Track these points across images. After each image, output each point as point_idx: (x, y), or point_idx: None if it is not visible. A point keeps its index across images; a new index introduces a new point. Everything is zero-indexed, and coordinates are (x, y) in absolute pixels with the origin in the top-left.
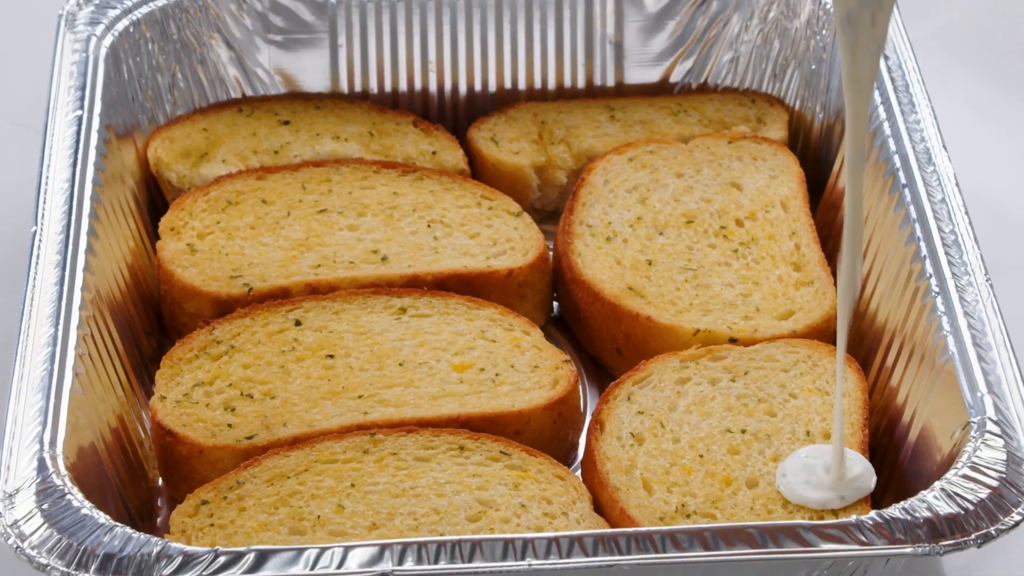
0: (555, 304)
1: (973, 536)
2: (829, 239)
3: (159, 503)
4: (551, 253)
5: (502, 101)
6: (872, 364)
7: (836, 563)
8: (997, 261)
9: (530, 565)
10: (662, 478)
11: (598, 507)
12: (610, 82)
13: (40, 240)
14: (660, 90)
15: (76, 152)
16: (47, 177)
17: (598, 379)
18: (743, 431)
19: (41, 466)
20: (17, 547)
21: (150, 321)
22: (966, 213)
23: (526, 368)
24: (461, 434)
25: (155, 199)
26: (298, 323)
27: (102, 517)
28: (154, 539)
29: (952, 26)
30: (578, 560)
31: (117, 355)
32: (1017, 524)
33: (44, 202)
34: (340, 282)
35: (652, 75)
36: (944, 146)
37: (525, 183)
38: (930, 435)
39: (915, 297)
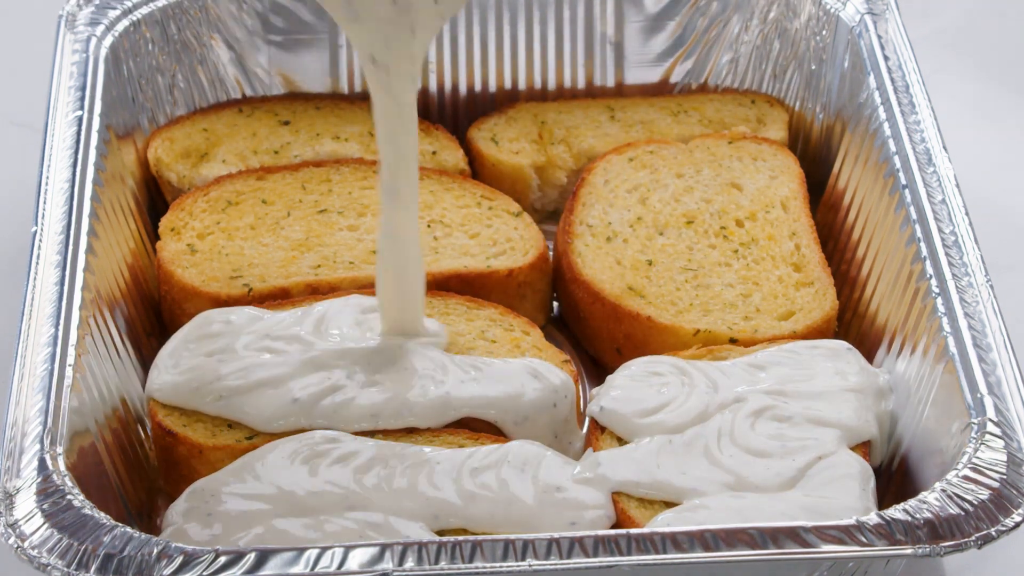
0: (555, 304)
1: (973, 537)
2: (829, 239)
3: (159, 503)
4: (551, 253)
5: (502, 101)
6: (872, 364)
7: (836, 564)
8: (997, 261)
9: (530, 565)
10: None
11: None
12: (610, 82)
13: (40, 240)
14: (660, 90)
15: (76, 152)
16: (47, 177)
17: (598, 379)
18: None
19: (41, 466)
20: (17, 547)
21: (150, 321)
22: (966, 214)
23: None
24: (461, 434)
25: (155, 199)
26: None
27: (102, 517)
28: (154, 539)
29: (952, 26)
30: (579, 560)
31: (117, 355)
32: (1017, 525)
33: (44, 202)
34: (340, 282)
35: (652, 75)
36: (944, 147)
37: (525, 183)
38: (931, 436)
39: (915, 298)
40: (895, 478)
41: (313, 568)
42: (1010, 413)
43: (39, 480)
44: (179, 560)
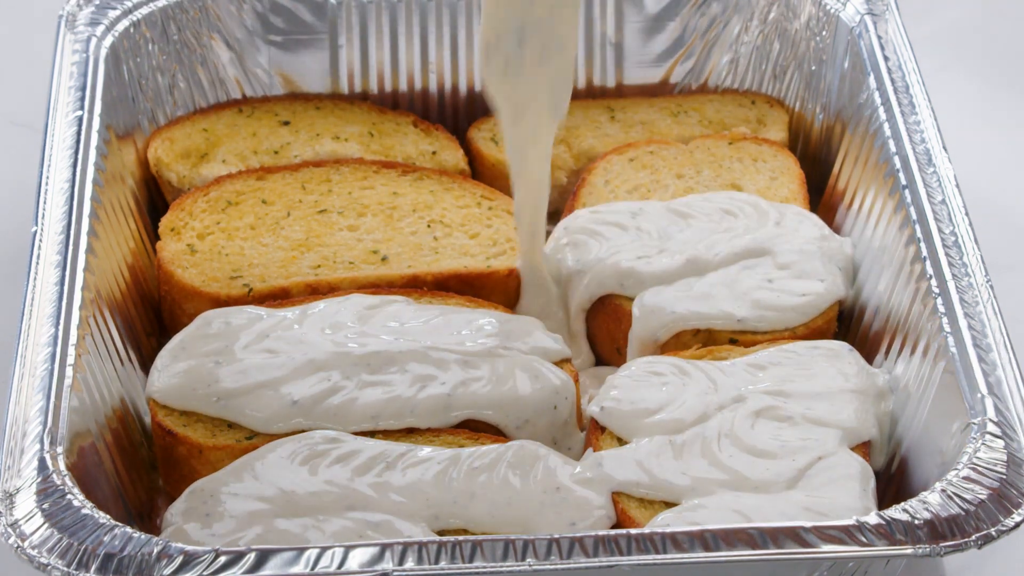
0: None
1: (973, 537)
2: None
3: (159, 503)
4: None
5: None
6: (872, 365)
7: (836, 564)
8: (997, 261)
9: (531, 565)
10: None
11: None
12: (610, 82)
13: (40, 240)
14: (660, 91)
15: (76, 152)
16: (47, 177)
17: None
18: None
19: (41, 466)
20: (17, 547)
21: (150, 321)
22: (966, 214)
23: None
24: (461, 434)
25: (155, 199)
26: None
27: (102, 517)
28: (154, 539)
29: (952, 26)
30: (579, 561)
31: (117, 355)
32: (1017, 525)
33: (44, 202)
34: (340, 282)
35: (652, 76)
36: (944, 147)
37: None
38: (931, 436)
39: (915, 298)
40: (895, 478)
41: (313, 568)
42: (1010, 413)
43: (39, 480)
44: (179, 560)
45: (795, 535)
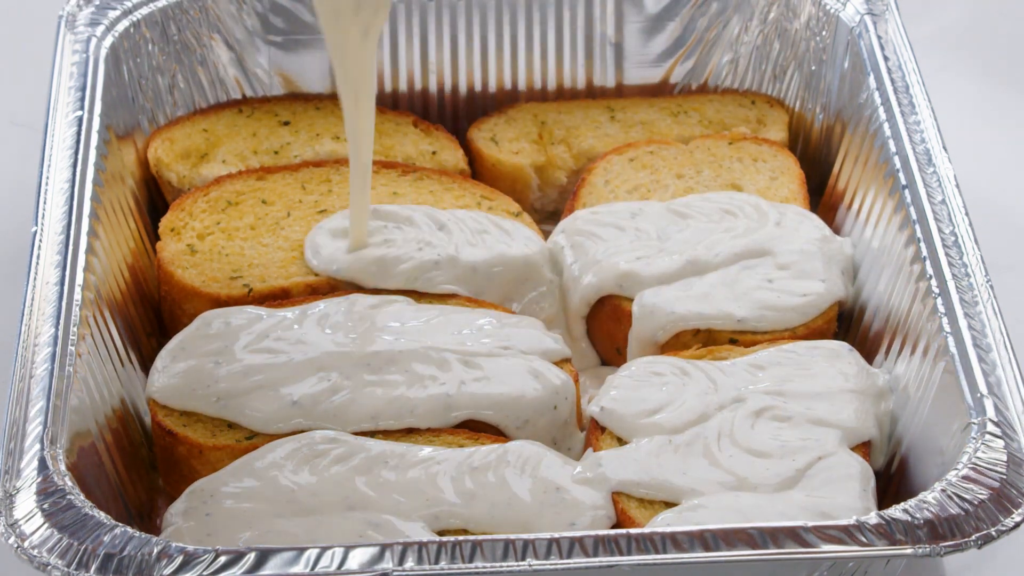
0: None
1: (973, 537)
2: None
3: (159, 503)
4: None
5: (502, 101)
6: (872, 365)
7: (836, 564)
8: (997, 261)
9: (530, 565)
10: None
11: None
12: (610, 82)
13: (40, 240)
14: (660, 91)
15: (76, 152)
16: (47, 177)
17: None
18: None
19: (41, 466)
20: (17, 547)
21: (150, 321)
22: (966, 214)
23: None
24: (461, 434)
25: (155, 199)
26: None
27: (102, 517)
28: (154, 539)
29: (952, 26)
30: (579, 560)
31: (117, 355)
32: (1017, 525)
33: (44, 202)
34: (340, 282)
35: (652, 76)
36: (944, 147)
37: (525, 183)
38: (931, 436)
39: (915, 298)
40: (895, 478)
41: (313, 568)
42: (1010, 413)
43: (39, 480)
44: (179, 560)
45: (795, 535)
